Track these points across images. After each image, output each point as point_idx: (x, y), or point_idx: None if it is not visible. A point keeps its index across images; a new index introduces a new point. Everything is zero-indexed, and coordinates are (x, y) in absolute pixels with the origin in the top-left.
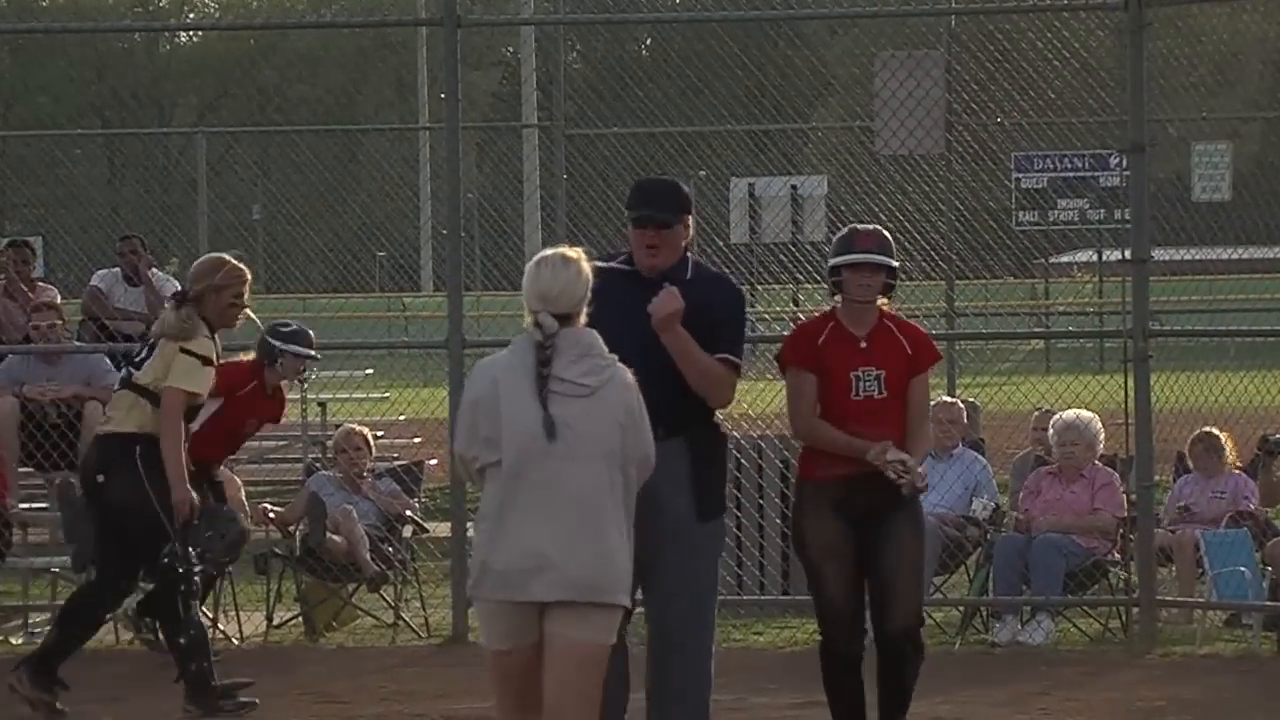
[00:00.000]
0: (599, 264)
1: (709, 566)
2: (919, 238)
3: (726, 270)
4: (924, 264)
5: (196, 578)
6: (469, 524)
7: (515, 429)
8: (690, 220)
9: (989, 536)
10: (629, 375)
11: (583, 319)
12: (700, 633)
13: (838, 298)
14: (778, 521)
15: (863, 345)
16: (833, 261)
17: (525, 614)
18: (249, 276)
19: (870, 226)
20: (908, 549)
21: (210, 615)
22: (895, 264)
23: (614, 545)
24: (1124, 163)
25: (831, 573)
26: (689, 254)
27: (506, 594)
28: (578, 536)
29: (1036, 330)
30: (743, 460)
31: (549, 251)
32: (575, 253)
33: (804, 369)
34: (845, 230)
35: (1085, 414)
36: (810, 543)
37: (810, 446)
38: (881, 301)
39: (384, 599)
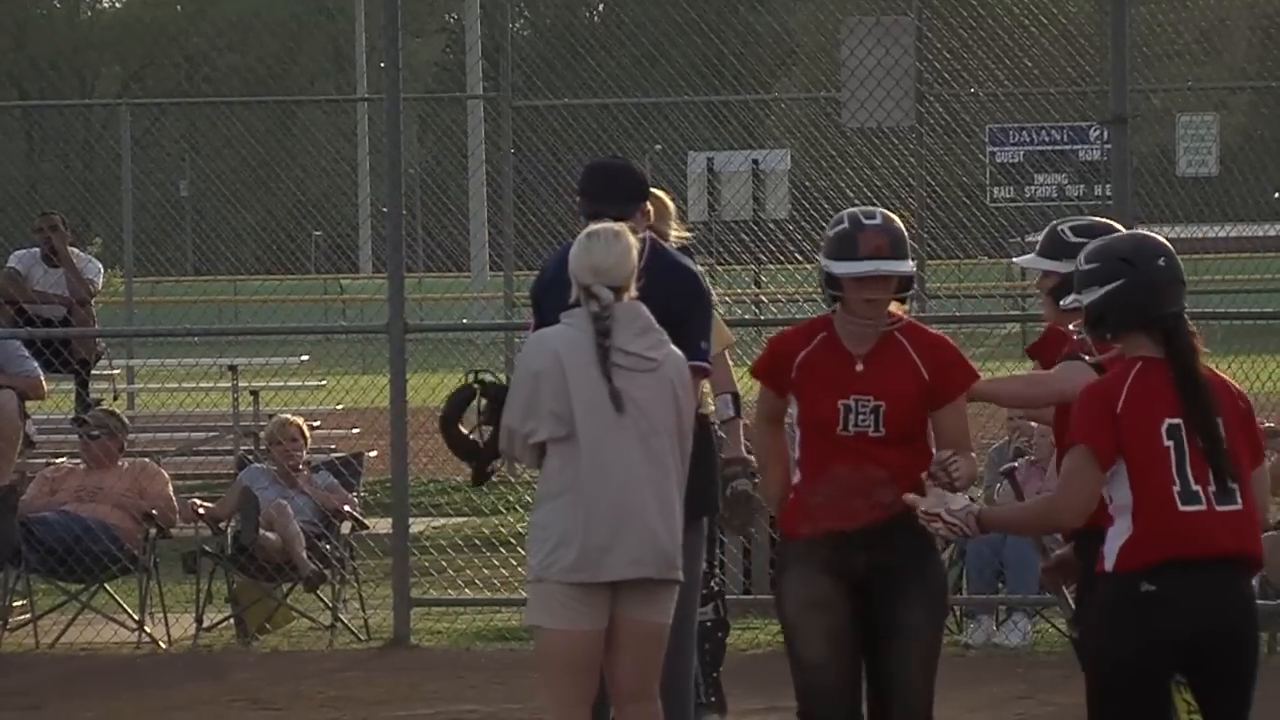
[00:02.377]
0: (561, 254)
1: (695, 566)
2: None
3: (685, 250)
4: None
5: None
6: (410, 519)
7: (585, 401)
8: (647, 205)
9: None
10: (679, 353)
11: (633, 292)
12: (683, 630)
13: (836, 306)
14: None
15: (859, 367)
16: (834, 268)
17: (600, 593)
18: None
19: (877, 217)
20: (922, 632)
21: (136, 618)
22: (912, 268)
23: (679, 522)
24: (1105, 135)
25: (813, 628)
26: (649, 236)
27: (586, 574)
28: (653, 513)
29: (1013, 313)
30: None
31: (598, 225)
32: (624, 227)
33: (766, 386)
34: (845, 222)
35: None
36: (789, 598)
37: (794, 493)
38: (894, 307)
39: (321, 599)
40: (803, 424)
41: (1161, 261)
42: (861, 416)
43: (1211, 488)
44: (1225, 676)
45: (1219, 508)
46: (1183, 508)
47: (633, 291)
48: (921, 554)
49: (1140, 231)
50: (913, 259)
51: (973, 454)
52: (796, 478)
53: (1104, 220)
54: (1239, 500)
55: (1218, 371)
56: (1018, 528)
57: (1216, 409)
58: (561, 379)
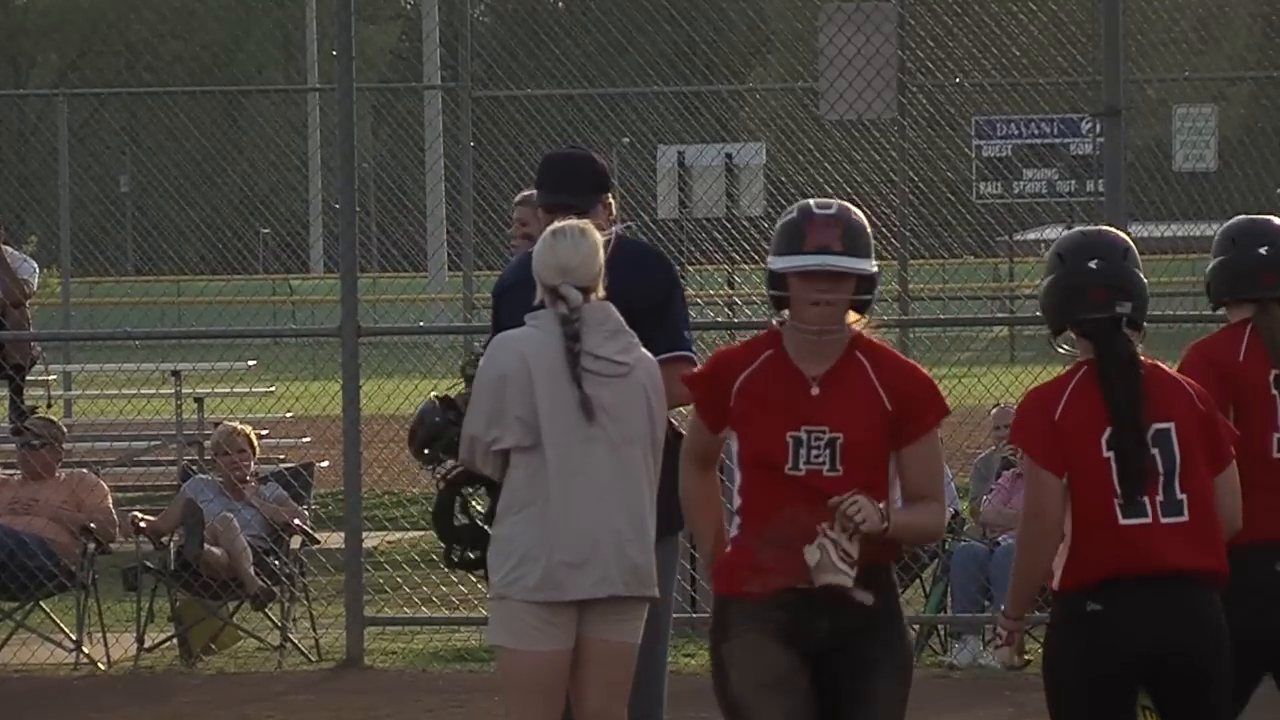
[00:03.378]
0: (522, 257)
1: (668, 584)
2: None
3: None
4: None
5: None
6: (364, 534)
7: (553, 409)
8: (610, 198)
9: (946, 546)
10: (649, 353)
11: (600, 293)
12: (655, 654)
13: (784, 314)
14: None
15: (814, 391)
16: (774, 264)
17: (567, 612)
18: None
19: (832, 207)
20: (894, 710)
21: (74, 637)
22: (874, 268)
23: (652, 537)
24: (1097, 128)
25: (771, 715)
26: (612, 229)
27: (551, 592)
28: (624, 527)
29: (1000, 316)
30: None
31: (564, 223)
32: (589, 224)
33: (699, 415)
34: (793, 212)
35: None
36: (738, 675)
37: (734, 545)
38: (854, 321)
39: (269, 618)
40: (745, 462)
41: (1094, 263)
42: (815, 451)
43: (1160, 498)
44: (1187, 698)
45: (1165, 519)
46: (1124, 521)
47: (600, 292)
48: (890, 616)
49: (1101, 228)
50: (876, 261)
51: (940, 503)
52: (735, 530)
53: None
54: (1186, 512)
55: (1172, 372)
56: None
57: (1148, 415)
58: (528, 384)
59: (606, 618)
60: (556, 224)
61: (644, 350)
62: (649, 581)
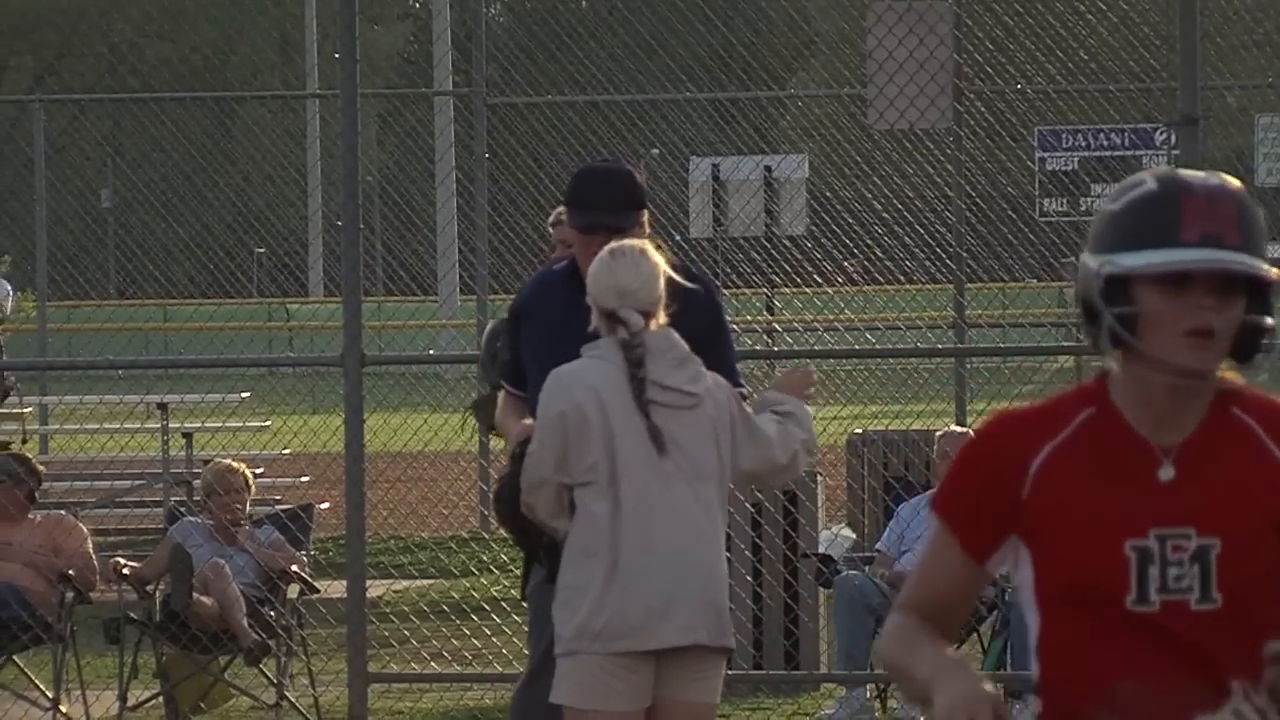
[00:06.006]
0: (545, 271)
1: None
2: (921, 231)
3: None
4: (928, 263)
5: None
6: (368, 582)
7: (623, 444)
8: (645, 215)
9: (1007, 597)
10: (722, 381)
11: (662, 319)
12: None
13: (1115, 353)
14: (747, 579)
15: (1164, 473)
16: (1115, 263)
17: (644, 667)
18: None
19: (1213, 180)
20: None
21: (50, 695)
22: (1276, 275)
23: (726, 580)
24: (1172, 139)
25: None
26: None
27: (629, 642)
28: (704, 570)
29: (1065, 344)
30: None
31: (623, 242)
32: (650, 244)
33: (951, 528)
34: (1149, 183)
35: None
36: None
37: None
38: (1228, 371)
39: (264, 674)
40: (1049, 594)
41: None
42: (1175, 570)
43: None
44: None
45: None
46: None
47: (662, 318)
48: None
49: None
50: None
51: None
52: (1026, 707)
53: None
54: None
55: None
56: None
57: None
58: (601, 417)
59: (686, 674)
60: (614, 244)
61: (714, 378)
62: (729, 631)
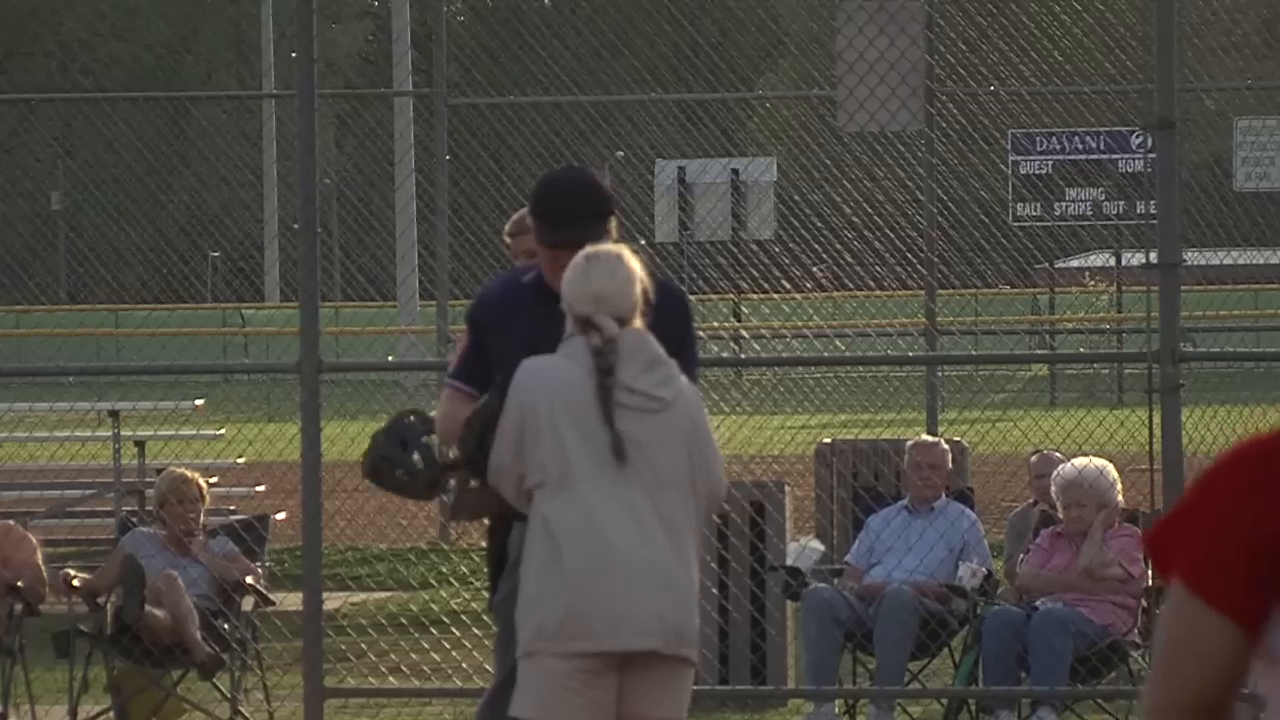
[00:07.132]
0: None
1: None
2: (892, 236)
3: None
4: (899, 269)
5: None
6: (325, 594)
7: (582, 450)
8: (613, 223)
9: (979, 611)
10: (695, 388)
11: (638, 323)
12: None
13: None
14: (713, 591)
15: None
16: None
17: (606, 676)
18: None
19: None
20: None
21: None
22: None
23: (694, 591)
24: (1148, 143)
25: None
26: None
27: (586, 642)
28: (659, 578)
29: (1039, 352)
30: None
31: (598, 248)
32: (626, 249)
33: (1222, 611)
34: None
35: (1096, 463)
36: None
37: None
38: None
39: (218, 689)
40: None
41: None
42: None
43: None
44: None
45: None
46: None
47: (638, 323)
48: None
49: None
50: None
51: None
52: None
53: None
54: None
55: None
56: None
57: None
58: (553, 421)
59: (649, 684)
60: (590, 249)
61: (685, 382)
62: (691, 643)
